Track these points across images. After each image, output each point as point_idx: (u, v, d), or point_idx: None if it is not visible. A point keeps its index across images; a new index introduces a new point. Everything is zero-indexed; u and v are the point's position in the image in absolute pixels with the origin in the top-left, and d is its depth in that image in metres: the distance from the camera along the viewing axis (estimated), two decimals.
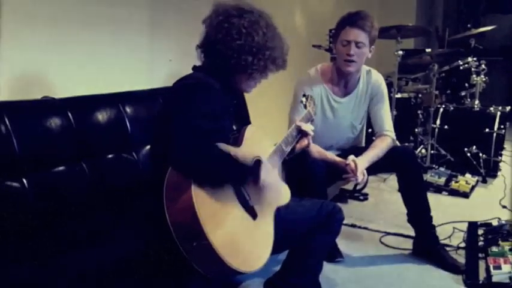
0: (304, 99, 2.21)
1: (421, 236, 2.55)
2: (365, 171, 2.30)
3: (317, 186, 2.28)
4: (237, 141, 1.74)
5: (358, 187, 3.55)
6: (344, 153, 2.57)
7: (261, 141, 1.86)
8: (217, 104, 1.63)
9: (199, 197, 1.44)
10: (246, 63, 1.69)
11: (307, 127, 2.04)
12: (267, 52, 1.71)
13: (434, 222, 2.53)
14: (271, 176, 1.71)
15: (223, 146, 1.56)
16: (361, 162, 2.30)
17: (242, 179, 1.62)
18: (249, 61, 1.69)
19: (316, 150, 2.42)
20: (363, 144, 2.77)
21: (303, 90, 2.53)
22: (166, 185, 1.46)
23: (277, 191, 1.80)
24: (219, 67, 1.73)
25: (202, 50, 1.77)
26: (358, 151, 2.44)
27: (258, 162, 1.75)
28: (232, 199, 1.57)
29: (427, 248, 2.52)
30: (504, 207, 3.34)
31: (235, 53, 1.68)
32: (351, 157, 2.31)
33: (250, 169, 1.61)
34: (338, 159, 2.41)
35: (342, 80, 2.58)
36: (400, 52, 4.00)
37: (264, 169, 1.65)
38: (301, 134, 2.04)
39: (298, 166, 2.19)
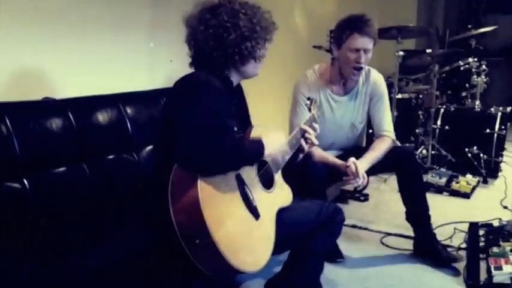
0: (308, 103, 2.22)
1: (419, 235, 2.56)
2: (365, 174, 2.30)
3: (316, 187, 2.28)
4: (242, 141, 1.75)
5: (359, 188, 3.54)
6: (345, 153, 2.57)
7: None
8: (220, 103, 1.64)
9: (205, 196, 1.44)
10: (247, 50, 1.71)
11: (311, 132, 2.03)
12: (257, 28, 1.72)
13: (435, 222, 2.54)
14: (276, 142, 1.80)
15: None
16: (361, 165, 2.30)
17: (252, 156, 1.70)
18: (249, 46, 1.71)
19: (317, 151, 2.42)
20: (364, 145, 2.77)
21: (301, 92, 2.53)
22: (171, 183, 1.46)
23: (281, 190, 1.81)
24: (224, 67, 1.74)
25: (201, 64, 1.77)
26: (359, 152, 2.45)
27: (262, 163, 1.77)
28: (236, 199, 1.58)
29: (426, 247, 2.52)
30: (505, 207, 3.34)
31: (235, 47, 1.69)
32: (352, 159, 2.31)
33: (256, 146, 1.70)
34: (339, 161, 2.41)
35: (341, 79, 2.58)
36: (401, 53, 3.99)
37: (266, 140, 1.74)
38: (304, 138, 2.03)
39: (298, 167, 2.19)
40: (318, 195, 2.22)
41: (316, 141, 2.02)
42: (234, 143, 1.61)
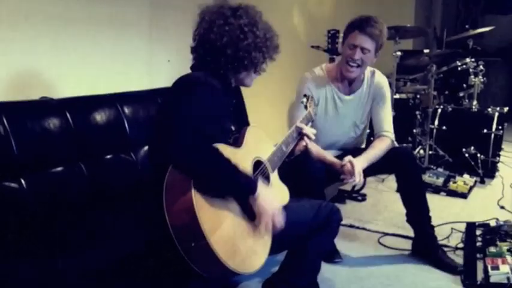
0: (304, 100, 2.21)
1: (420, 237, 2.56)
2: (362, 172, 2.30)
3: (315, 186, 2.28)
4: (238, 142, 1.74)
5: (357, 188, 3.55)
6: (345, 153, 2.57)
7: (262, 142, 1.86)
8: (217, 103, 1.64)
9: (199, 198, 1.44)
10: (257, 60, 1.74)
11: (309, 130, 2.03)
12: (268, 43, 1.75)
13: (433, 222, 2.54)
14: (268, 191, 1.66)
15: (223, 148, 1.56)
16: (360, 163, 2.30)
17: (238, 185, 1.56)
18: (258, 56, 1.74)
19: (315, 150, 2.43)
20: (364, 145, 2.78)
21: (307, 88, 2.54)
22: (166, 185, 1.46)
23: (277, 190, 1.80)
24: (225, 68, 1.74)
25: (208, 57, 1.74)
26: (359, 152, 2.45)
27: (258, 164, 1.76)
28: (231, 200, 1.57)
29: (425, 248, 2.53)
30: (502, 207, 3.35)
31: (246, 52, 1.70)
32: (347, 158, 2.31)
33: (249, 180, 1.59)
34: (336, 160, 2.41)
35: (346, 78, 2.59)
36: (399, 53, 4.00)
37: (261, 190, 1.60)
38: (301, 135, 2.03)
39: (297, 166, 2.19)
40: (317, 195, 2.22)
41: (312, 136, 2.03)
42: (222, 157, 1.51)
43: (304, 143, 2.03)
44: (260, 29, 1.73)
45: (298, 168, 2.21)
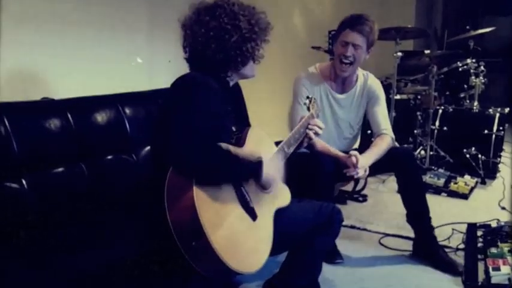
0: (307, 101, 2.21)
1: (420, 237, 2.56)
2: (367, 168, 2.30)
3: (326, 181, 2.30)
4: (240, 142, 1.74)
5: (358, 187, 3.54)
6: None
7: (264, 142, 1.87)
8: (216, 103, 1.64)
9: (201, 197, 1.44)
10: (248, 51, 1.72)
11: (319, 122, 2.04)
12: (256, 29, 1.73)
13: (434, 223, 2.54)
14: (274, 172, 1.72)
15: (225, 146, 1.57)
16: (365, 159, 2.31)
17: (243, 177, 1.63)
18: (250, 48, 1.72)
19: (319, 144, 2.45)
20: (357, 146, 2.79)
21: (303, 86, 2.56)
22: (167, 184, 1.46)
23: (279, 191, 1.81)
24: (222, 69, 1.74)
25: (199, 66, 1.76)
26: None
27: (260, 163, 1.76)
28: (233, 200, 1.58)
29: (426, 249, 2.52)
30: (503, 208, 3.34)
31: (236, 49, 1.70)
32: (353, 152, 2.32)
33: (252, 166, 1.62)
34: (340, 153, 2.43)
35: (339, 77, 2.60)
36: (399, 53, 4.00)
37: (265, 166, 1.65)
38: (307, 130, 2.03)
39: (307, 162, 2.19)
40: (326, 190, 2.24)
41: (320, 131, 2.04)
42: (224, 153, 1.56)
43: (312, 133, 2.03)
44: (242, 20, 1.69)
45: (308, 164, 2.22)
